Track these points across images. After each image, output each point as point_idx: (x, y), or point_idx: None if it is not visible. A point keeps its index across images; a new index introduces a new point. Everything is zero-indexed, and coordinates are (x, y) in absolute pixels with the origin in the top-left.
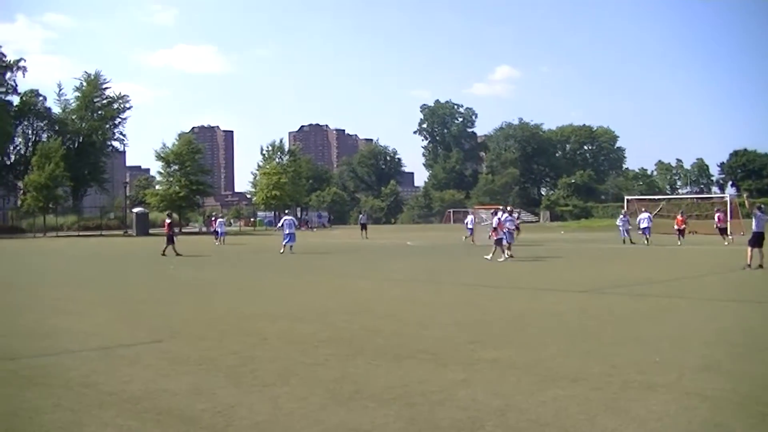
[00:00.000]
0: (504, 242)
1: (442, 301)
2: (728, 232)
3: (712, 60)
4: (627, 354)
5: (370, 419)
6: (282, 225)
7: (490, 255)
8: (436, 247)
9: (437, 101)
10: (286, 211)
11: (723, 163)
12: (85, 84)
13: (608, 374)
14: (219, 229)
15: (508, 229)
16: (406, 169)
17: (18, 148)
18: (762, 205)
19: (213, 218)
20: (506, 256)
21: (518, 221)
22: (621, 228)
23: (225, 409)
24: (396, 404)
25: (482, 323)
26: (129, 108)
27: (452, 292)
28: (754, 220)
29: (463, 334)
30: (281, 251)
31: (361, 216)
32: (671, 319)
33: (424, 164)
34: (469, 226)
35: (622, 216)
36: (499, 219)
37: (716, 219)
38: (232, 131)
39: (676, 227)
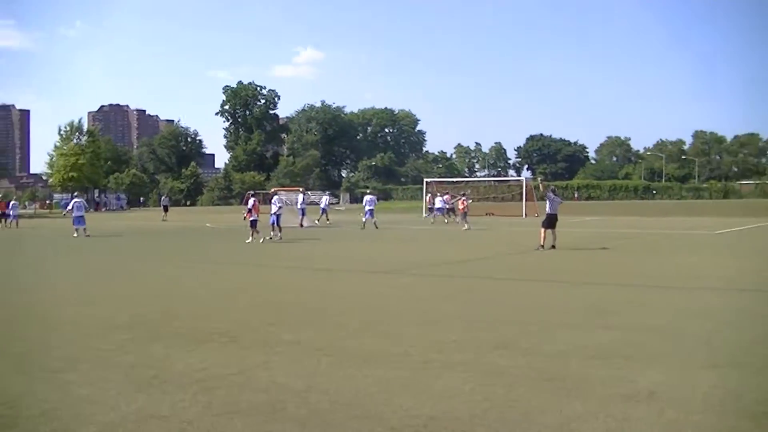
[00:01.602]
0: (263, 224)
1: (241, 283)
2: (455, 214)
3: (509, 47)
4: (426, 333)
5: (168, 404)
6: (71, 208)
7: (251, 238)
8: (234, 229)
9: (240, 82)
10: (75, 194)
11: (519, 147)
12: None
13: (407, 354)
14: (11, 212)
15: (275, 212)
16: (207, 151)
17: None
18: (555, 188)
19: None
20: (253, 239)
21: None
22: (366, 209)
23: (12, 398)
24: (195, 388)
25: (282, 305)
26: None
27: (251, 273)
28: (548, 202)
29: (263, 316)
30: (75, 234)
31: (163, 198)
32: (468, 299)
33: (225, 146)
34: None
35: (369, 197)
36: (254, 201)
37: (444, 200)
38: (28, 110)
39: (459, 209)
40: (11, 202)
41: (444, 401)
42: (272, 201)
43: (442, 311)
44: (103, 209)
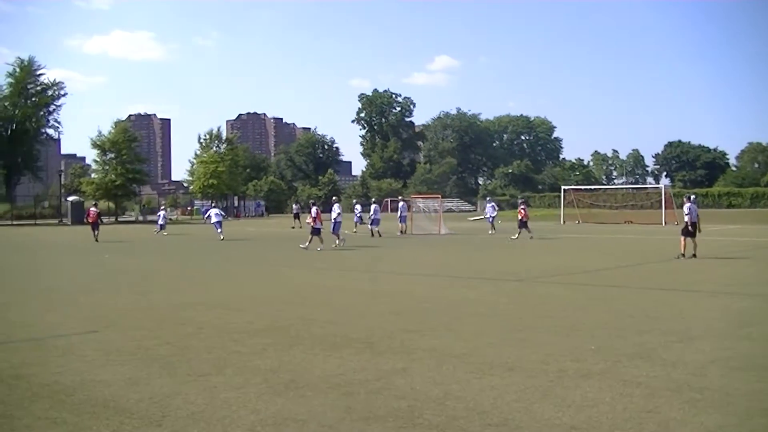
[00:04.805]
0: (333, 233)
1: (377, 289)
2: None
3: (648, 53)
4: (562, 342)
5: (307, 408)
6: (209, 215)
7: (306, 243)
8: (370, 237)
9: (375, 90)
10: (212, 203)
11: (658, 154)
12: (18, 70)
13: (544, 362)
14: (161, 222)
15: (335, 219)
16: (344, 158)
17: None
18: (693, 196)
19: (163, 207)
20: (309, 244)
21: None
22: (488, 216)
23: (161, 399)
24: (333, 393)
25: (418, 311)
26: (64, 95)
27: (387, 280)
28: (685, 210)
29: (400, 323)
30: (222, 239)
31: (294, 206)
32: (605, 308)
33: (361, 153)
34: (403, 214)
35: (489, 205)
36: (317, 209)
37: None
38: (169, 119)
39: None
40: (160, 213)
41: (584, 411)
42: (332, 208)
43: (579, 320)
44: (243, 216)
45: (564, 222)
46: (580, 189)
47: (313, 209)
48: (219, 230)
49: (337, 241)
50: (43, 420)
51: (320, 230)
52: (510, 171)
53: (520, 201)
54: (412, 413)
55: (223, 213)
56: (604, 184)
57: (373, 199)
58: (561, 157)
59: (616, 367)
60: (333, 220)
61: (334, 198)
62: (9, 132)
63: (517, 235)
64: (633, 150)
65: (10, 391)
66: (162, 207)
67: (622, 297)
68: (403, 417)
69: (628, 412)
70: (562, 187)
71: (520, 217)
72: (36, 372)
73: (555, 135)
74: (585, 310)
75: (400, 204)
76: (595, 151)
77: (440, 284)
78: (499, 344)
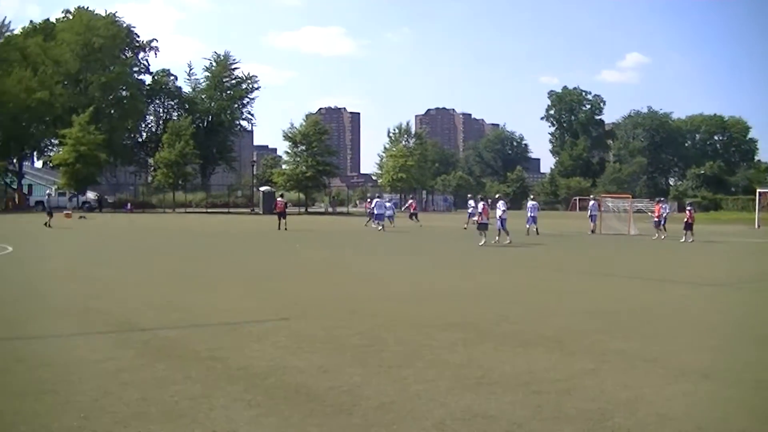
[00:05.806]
0: (498, 227)
1: (567, 289)
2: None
3: None
4: (760, 352)
5: (496, 405)
6: (373, 206)
7: (496, 238)
8: (561, 235)
9: (565, 88)
10: (377, 195)
11: None
12: (214, 64)
13: (740, 372)
14: (388, 212)
15: (501, 216)
16: (533, 155)
17: (149, 125)
18: None
19: (369, 199)
20: (483, 241)
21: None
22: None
23: (352, 388)
24: (522, 391)
25: (609, 313)
26: (257, 88)
27: (577, 280)
28: None
29: (590, 323)
30: (379, 228)
31: (470, 202)
32: None
33: (550, 151)
34: (593, 213)
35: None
36: (484, 204)
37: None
38: (358, 113)
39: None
40: (387, 203)
41: None
42: (497, 205)
43: None
44: (431, 210)
45: (759, 226)
46: None
47: (480, 204)
48: (378, 221)
49: (505, 237)
50: (239, 401)
51: (487, 225)
52: (702, 172)
53: (687, 204)
54: (602, 416)
55: (387, 205)
56: None
57: (479, 196)
58: (756, 158)
59: None
60: (499, 217)
61: (497, 195)
62: (205, 123)
63: (684, 238)
64: None
65: (208, 372)
66: (377, 195)
67: None
68: (593, 419)
69: None
70: (758, 190)
71: (686, 220)
72: (232, 355)
73: (750, 136)
74: None
75: (591, 203)
76: None
77: (631, 285)
78: (691, 350)
